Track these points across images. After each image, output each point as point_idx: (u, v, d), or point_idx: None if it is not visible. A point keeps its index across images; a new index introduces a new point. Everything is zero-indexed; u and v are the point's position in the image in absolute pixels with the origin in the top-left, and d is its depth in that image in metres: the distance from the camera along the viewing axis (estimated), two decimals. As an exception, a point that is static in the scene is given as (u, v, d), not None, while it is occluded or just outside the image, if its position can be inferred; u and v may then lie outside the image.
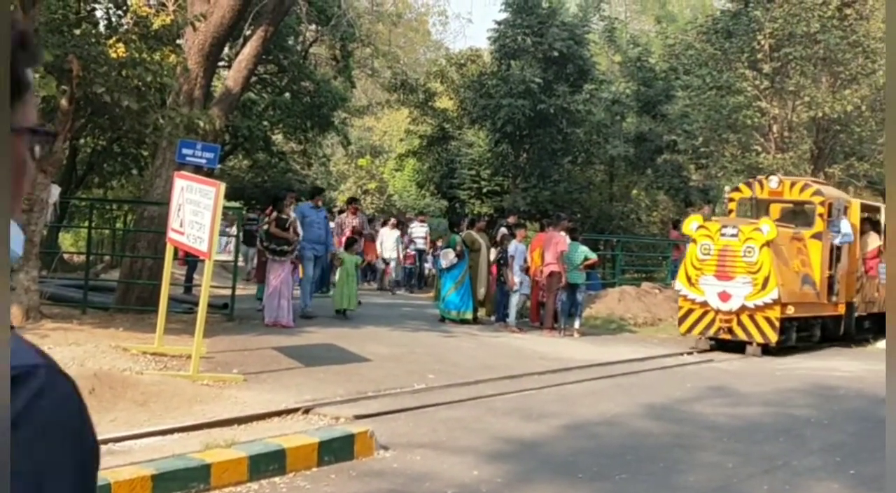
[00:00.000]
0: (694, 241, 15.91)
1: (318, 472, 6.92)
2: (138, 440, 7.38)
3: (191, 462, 6.40)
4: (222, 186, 10.34)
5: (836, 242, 16.99)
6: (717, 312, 15.45)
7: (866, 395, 11.51)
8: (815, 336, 16.84)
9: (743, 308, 15.30)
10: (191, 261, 17.41)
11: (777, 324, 15.21)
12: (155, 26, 14.48)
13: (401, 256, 22.90)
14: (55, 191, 15.75)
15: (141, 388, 8.69)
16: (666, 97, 29.56)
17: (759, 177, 17.74)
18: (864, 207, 19.07)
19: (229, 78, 16.19)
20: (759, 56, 25.09)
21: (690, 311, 15.81)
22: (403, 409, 9.19)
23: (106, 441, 7.20)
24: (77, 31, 13.71)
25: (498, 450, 7.94)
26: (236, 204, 27.90)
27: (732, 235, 15.44)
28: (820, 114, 24.06)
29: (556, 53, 24.51)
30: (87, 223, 20.32)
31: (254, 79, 21.29)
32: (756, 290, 15.18)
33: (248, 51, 15.78)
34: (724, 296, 15.36)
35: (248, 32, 17.15)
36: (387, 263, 22.55)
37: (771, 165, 24.63)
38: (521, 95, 23.85)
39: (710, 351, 15.54)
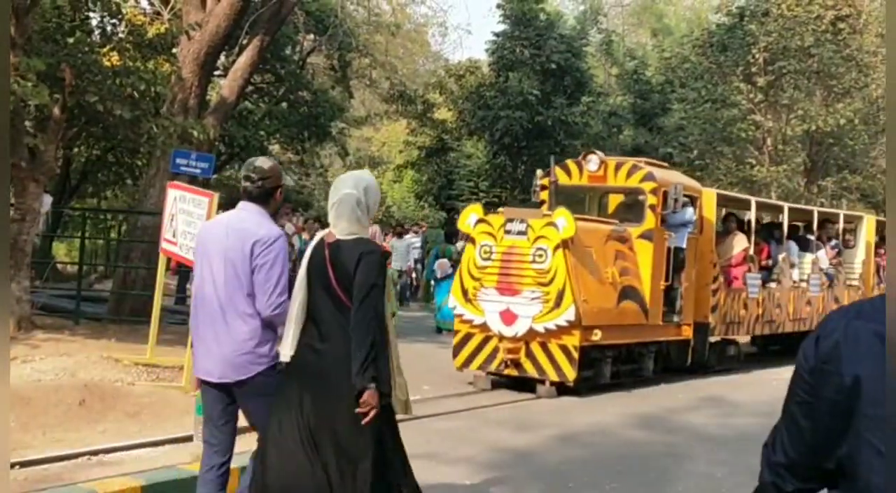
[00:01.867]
0: (472, 240, 11.72)
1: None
2: (129, 451, 7.31)
3: (181, 474, 6.34)
4: (216, 197, 10.29)
5: (675, 242, 12.87)
6: (501, 338, 11.26)
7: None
8: (645, 370, 12.66)
9: (532, 333, 11.07)
10: (183, 271, 17.35)
11: (575, 355, 10.96)
12: (149, 35, 14.47)
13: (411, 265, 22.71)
14: (47, 200, 15.71)
15: (132, 399, 8.62)
16: (662, 110, 29.64)
17: (580, 158, 13.45)
18: (723, 200, 15.56)
19: (224, 87, 16.16)
20: (754, 69, 25.18)
21: (469, 336, 11.58)
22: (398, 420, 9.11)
23: (96, 452, 7.16)
24: (71, 40, 13.68)
25: (491, 460, 7.90)
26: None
27: (520, 233, 11.23)
28: (813, 127, 24.14)
29: (553, 66, 24.55)
30: (80, 233, 20.26)
31: (250, 88, 21.28)
32: (547, 308, 10.93)
33: (244, 60, 15.74)
34: (508, 317, 11.15)
35: (244, 41, 17.13)
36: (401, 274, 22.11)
37: (765, 177, 24.68)
38: (518, 107, 23.89)
39: (494, 390, 11.61)
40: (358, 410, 4.34)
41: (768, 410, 10.83)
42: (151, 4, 17.62)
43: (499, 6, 25.47)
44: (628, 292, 11.92)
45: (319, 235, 4.77)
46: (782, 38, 24.38)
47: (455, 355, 11.68)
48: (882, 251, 18.47)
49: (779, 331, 16.04)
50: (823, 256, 17.14)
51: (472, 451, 8.19)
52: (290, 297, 4.71)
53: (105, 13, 15.11)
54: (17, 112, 13.45)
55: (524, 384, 11.39)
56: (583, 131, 25.22)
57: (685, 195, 12.77)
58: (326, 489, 4.41)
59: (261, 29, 15.89)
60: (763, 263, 15.72)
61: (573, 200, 13.56)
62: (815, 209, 17.93)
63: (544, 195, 13.05)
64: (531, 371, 11.20)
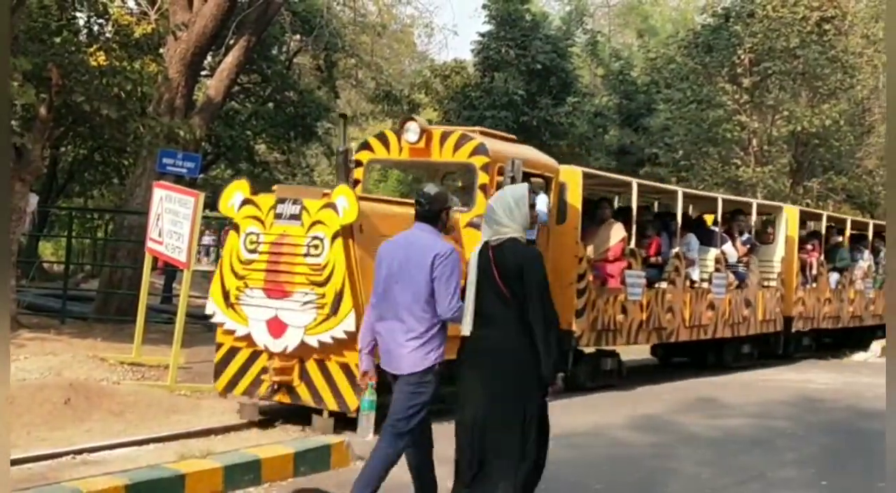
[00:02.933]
0: (236, 227, 9.02)
1: (293, 482, 6.89)
2: (113, 450, 7.35)
3: (165, 473, 6.36)
4: (201, 197, 10.35)
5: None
6: (271, 355, 8.65)
7: (843, 407, 11.60)
8: None
9: (305, 348, 8.47)
10: (169, 271, 17.36)
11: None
12: (136, 35, 14.49)
13: None
14: (33, 200, 15.69)
15: (117, 398, 8.65)
16: (647, 110, 29.73)
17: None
18: (592, 180, 12.63)
19: (211, 87, 16.18)
20: (739, 70, 25.28)
21: (233, 352, 8.94)
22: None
23: (80, 451, 7.19)
24: (57, 39, 13.68)
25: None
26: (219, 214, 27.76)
27: (292, 217, 8.67)
28: (799, 128, 24.25)
29: (539, 66, 24.59)
30: (66, 232, 20.23)
31: (237, 88, 21.29)
32: (321, 315, 8.36)
33: (231, 60, 15.77)
34: (277, 326, 8.55)
35: (230, 42, 17.14)
36: None
37: (750, 178, 24.79)
38: (504, 107, 23.91)
39: (262, 425, 8.61)
40: (551, 389, 5.48)
41: (756, 411, 10.97)
42: (138, 4, 17.62)
43: (484, 6, 25.51)
44: None
45: (479, 245, 5.64)
46: (767, 40, 24.48)
47: (216, 375, 9.02)
48: (810, 247, 17.28)
49: (671, 340, 13.52)
50: (731, 251, 14.73)
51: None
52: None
53: (92, 13, 15.13)
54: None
55: (303, 415, 8.72)
56: (568, 132, 25.26)
57: (538, 176, 10.60)
58: (476, 446, 5.48)
59: (247, 29, 15.92)
60: (652, 259, 13.16)
61: (398, 178, 12.28)
62: (720, 197, 15.34)
63: (358, 174, 10.67)
64: (306, 398, 8.55)
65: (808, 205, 24.43)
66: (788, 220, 16.63)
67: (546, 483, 7.31)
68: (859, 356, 18.11)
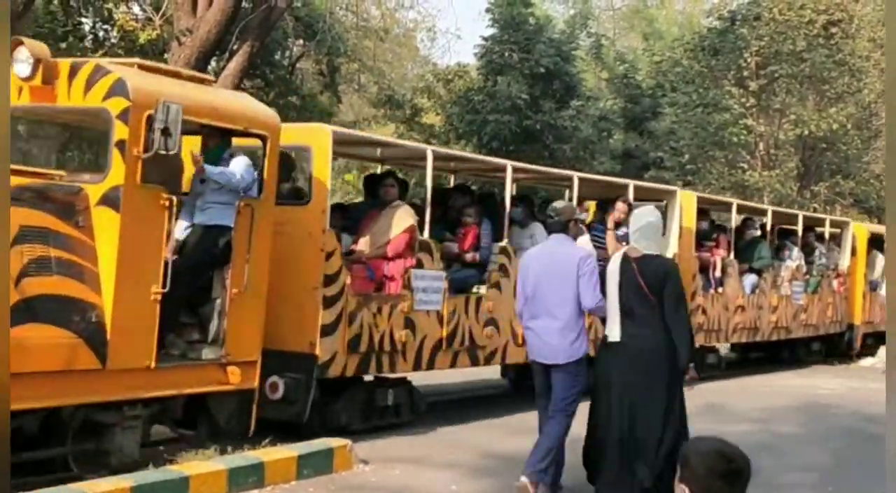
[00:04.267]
0: None
1: (296, 485, 6.91)
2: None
3: (169, 475, 6.38)
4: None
5: (209, 217, 7.49)
6: None
7: (849, 412, 11.57)
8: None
9: None
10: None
11: None
12: (141, 40, 14.55)
13: None
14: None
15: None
16: (653, 114, 29.69)
17: None
18: (347, 143, 9.97)
19: (215, 92, 16.19)
20: (746, 74, 25.26)
21: None
22: (387, 425, 9.15)
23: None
24: (63, 45, 13.75)
25: (479, 465, 7.93)
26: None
27: None
28: (806, 132, 24.21)
29: (542, 70, 24.53)
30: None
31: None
32: None
33: (234, 65, 15.77)
34: None
35: (234, 47, 17.16)
36: None
37: (757, 182, 24.75)
38: (507, 111, 23.84)
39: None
40: (688, 378, 6.67)
41: (762, 417, 10.91)
42: (143, 10, 17.66)
43: (488, 10, 25.46)
44: (51, 310, 6.21)
45: (621, 252, 6.80)
46: (774, 43, 24.45)
47: None
48: (712, 243, 14.29)
49: (494, 362, 10.57)
50: (613, 242, 11.70)
51: (459, 456, 8.23)
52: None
53: (97, 19, 15.21)
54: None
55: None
56: (572, 135, 25.19)
57: (239, 133, 7.62)
58: (625, 429, 6.41)
59: (251, 35, 15.91)
60: (467, 255, 10.22)
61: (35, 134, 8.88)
62: (576, 176, 11.93)
63: None
64: None
65: (815, 209, 24.37)
66: (683, 208, 13.32)
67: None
68: (866, 362, 17.99)
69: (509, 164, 10.96)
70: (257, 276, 7.57)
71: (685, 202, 13.60)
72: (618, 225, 11.90)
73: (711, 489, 2.93)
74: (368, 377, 9.26)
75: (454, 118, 25.22)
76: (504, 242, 10.42)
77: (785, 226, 17.37)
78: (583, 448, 6.79)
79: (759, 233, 16.02)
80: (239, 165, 7.43)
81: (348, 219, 9.81)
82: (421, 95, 27.04)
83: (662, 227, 6.97)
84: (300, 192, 9.08)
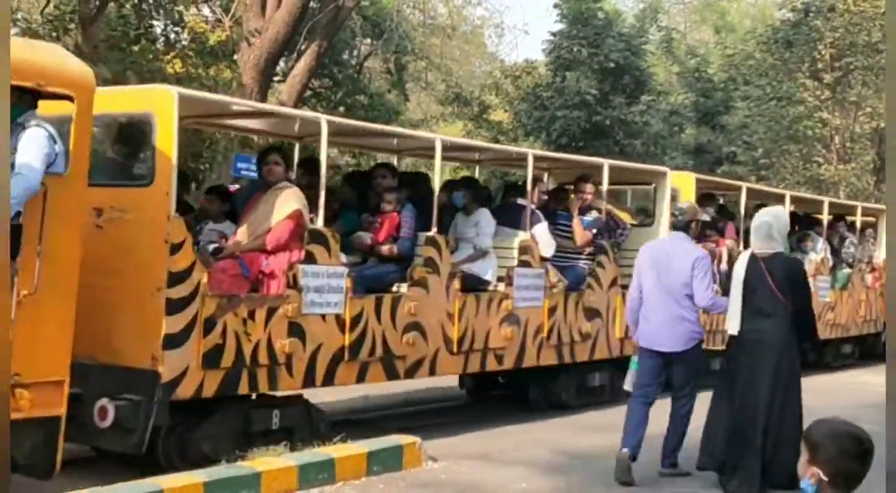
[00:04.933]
0: None
1: (366, 482, 6.91)
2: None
3: (241, 470, 6.43)
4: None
5: None
6: None
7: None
8: None
9: None
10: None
11: None
12: (211, 42, 14.74)
13: None
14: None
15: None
16: (725, 108, 29.26)
17: None
18: (192, 106, 7.56)
19: (283, 92, 16.36)
20: (820, 66, 24.76)
21: None
22: (451, 422, 9.12)
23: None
24: (136, 48, 13.99)
25: (550, 463, 7.86)
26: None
27: None
28: (882, 124, 23.64)
29: (612, 64, 24.34)
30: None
31: (308, 93, 21.48)
32: None
33: (303, 65, 15.94)
34: None
35: (302, 47, 17.31)
36: None
37: (833, 176, 24.24)
38: (576, 107, 23.73)
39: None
40: None
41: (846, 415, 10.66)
42: (213, 12, 17.90)
43: (556, 6, 25.32)
44: None
45: (747, 252, 7.26)
46: (849, 34, 23.93)
47: None
48: (715, 231, 12.50)
49: (416, 376, 8.61)
50: (545, 236, 9.72)
51: (529, 453, 8.16)
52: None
53: (168, 21, 15.46)
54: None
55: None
56: (643, 130, 24.96)
57: (29, 91, 5.73)
58: (765, 416, 6.87)
59: (319, 34, 16.06)
60: (383, 248, 8.58)
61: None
62: (530, 153, 10.04)
63: None
64: None
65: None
66: (680, 192, 11.74)
67: (618, 486, 7.22)
68: None
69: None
70: (58, 273, 5.71)
71: (682, 185, 12.01)
72: (585, 211, 10.27)
73: (846, 470, 2.99)
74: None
75: (522, 115, 25.15)
76: (431, 232, 8.52)
77: (814, 215, 15.33)
78: (703, 436, 7.28)
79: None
80: (30, 150, 5.54)
81: (231, 204, 8.41)
82: (489, 92, 27.01)
83: (785, 224, 7.40)
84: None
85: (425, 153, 10.35)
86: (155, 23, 15.82)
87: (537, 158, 10.39)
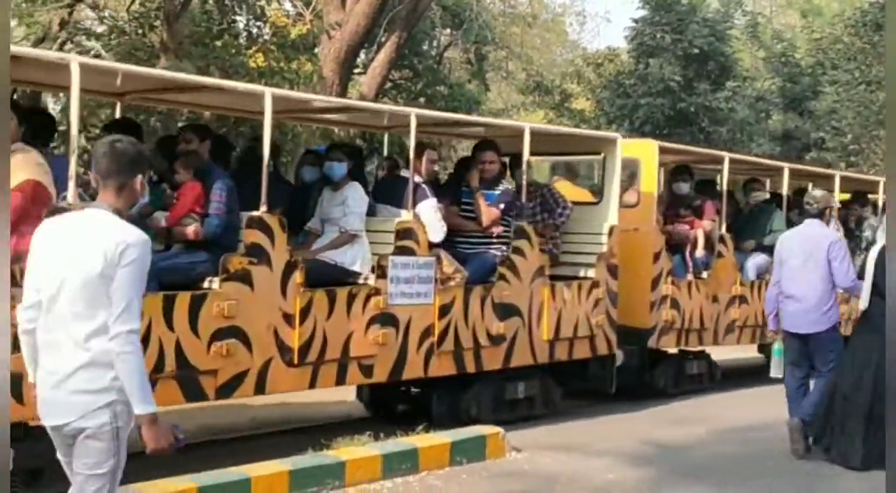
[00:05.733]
0: None
1: (449, 472, 6.91)
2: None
3: (326, 459, 6.49)
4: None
5: None
6: None
7: None
8: None
9: None
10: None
11: None
12: (292, 36, 14.86)
13: None
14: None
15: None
16: (813, 93, 28.55)
17: None
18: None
19: (364, 84, 16.45)
20: (912, 47, 23.99)
21: None
22: (539, 415, 9.05)
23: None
24: (219, 43, 14.17)
25: (636, 454, 7.78)
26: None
27: None
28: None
29: (696, 50, 23.97)
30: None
31: (389, 84, 21.57)
32: None
33: (383, 57, 16.00)
34: None
35: (382, 39, 17.37)
36: None
37: (927, 161, 23.47)
38: (659, 94, 23.46)
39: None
40: None
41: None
42: (294, 6, 18.05)
43: (639, -8, 25.07)
44: None
45: (880, 243, 7.45)
46: (942, 14, 23.16)
47: None
48: (688, 211, 10.59)
49: (233, 394, 6.83)
50: (431, 215, 8.02)
51: (615, 444, 8.09)
52: None
53: (251, 16, 15.63)
54: (170, 115, 14.01)
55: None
56: (728, 117, 24.54)
57: None
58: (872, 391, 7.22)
59: (398, 26, 16.10)
60: (190, 229, 6.82)
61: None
62: (413, 112, 7.96)
63: None
64: None
65: None
66: (642, 164, 10.09)
67: (705, 478, 7.11)
68: None
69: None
70: None
71: (642, 154, 10.09)
72: (492, 184, 8.56)
73: None
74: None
75: (604, 103, 24.93)
76: (259, 211, 6.78)
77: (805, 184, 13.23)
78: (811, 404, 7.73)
79: (766, 194, 12.20)
80: None
81: None
82: (570, 81, 26.83)
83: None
84: None
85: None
86: (237, 18, 16.01)
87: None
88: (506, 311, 8.34)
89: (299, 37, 14.75)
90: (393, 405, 9.09)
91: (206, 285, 6.63)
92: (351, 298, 7.30)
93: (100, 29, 15.87)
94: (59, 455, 3.72)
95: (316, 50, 15.67)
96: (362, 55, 18.95)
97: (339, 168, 7.63)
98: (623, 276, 9.44)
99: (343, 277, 7.43)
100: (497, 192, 8.48)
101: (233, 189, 6.84)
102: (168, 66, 11.81)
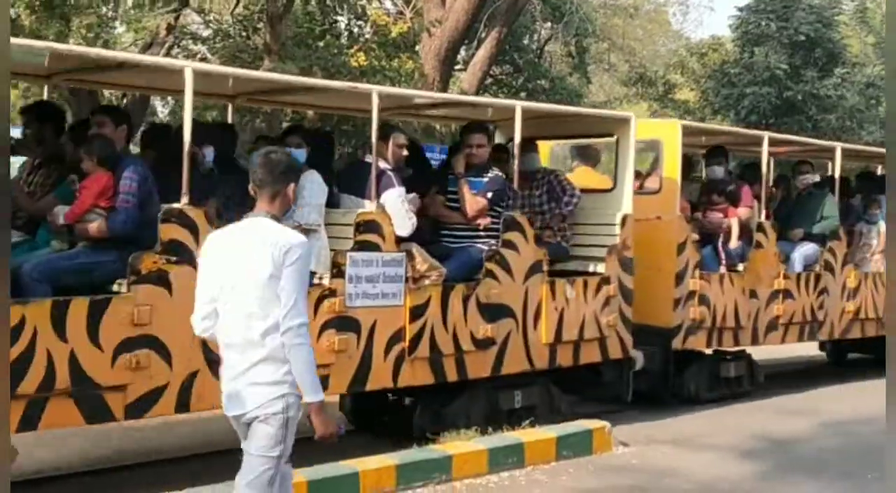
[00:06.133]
0: None
1: (556, 466, 6.90)
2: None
3: (432, 454, 6.55)
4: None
5: None
6: None
7: None
8: None
9: None
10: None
11: None
12: (393, 34, 15.00)
13: None
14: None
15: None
16: (926, 77, 27.57)
17: None
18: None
19: (464, 80, 16.50)
20: None
21: None
22: (642, 408, 8.97)
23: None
24: (321, 43, 14.39)
25: (745, 448, 7.66)
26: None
27: None
28: None
29: (802, 37, 23.42)
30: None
31: (489, 80, 21.58)
32: None
33: (483, 53, 16.02)
34: None
35: (482, 34, 17.40)
36: None
37: None
38: (765, 83, 23.01)
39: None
40: None
41: None
42: (395, 5, 18.22)
43: (743, -20, 24.60)
44: None
45: None
46: None
47: None
48: (720, 197, 9.56)
49: (145, 414, 5.92)
50: (396, 204, 6.96)
51: (724, 438, 7.99)
52: None
53: (352, 16, 15.84)
54: (274, 115, 14.29)
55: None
56: (837, 105, 23.86)
57: None
58: None
59: (498, 21, 16.10)
60: (92, 225, 5.96)
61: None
62: (371, 90, 7.11)
63: None
64: None
65: None
66: (664, 145, 9.09)
67: (814, 472, 6.95)
68: None
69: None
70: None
71: (664, 135, 9.07)
72: (476, 169, 7.60)
73: None
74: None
75: (709, 93, 24.59)
76: (181, 204, 5.89)
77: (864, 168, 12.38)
78: None
79: (816, 178, 10.97)
80: None
81: None
82: (674, 71, 26.48)
83: None
84: None
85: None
86: (339, 18, 16.24)
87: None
88: (495, 312, 7.35)
89: (400, 35, 14.89)
90: (380, 416, 7.93)
91: (115, 288, 5.81)
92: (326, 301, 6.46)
93: (205, 33, 16.28)
94: (243, 445, 4.02)
95: (417, 48, 15.79)
96: (463, 52, 19.02)
97: (297, 155, 6.48)
98: (643, 270, 8.48)
99: None
100: (485, 179, 7.56)
101: (147, 178, 5.96)
102: (272, 68, 12.05)
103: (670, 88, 26.30)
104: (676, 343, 8.84)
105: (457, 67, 19.33)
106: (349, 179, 7.16)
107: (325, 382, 5.86)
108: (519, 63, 22.62)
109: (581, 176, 9.11)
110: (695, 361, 9.39)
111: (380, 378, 6.82)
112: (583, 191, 8.36)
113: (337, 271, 6.55)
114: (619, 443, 7.45)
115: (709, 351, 9.54)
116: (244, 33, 15.10)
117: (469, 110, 8.69)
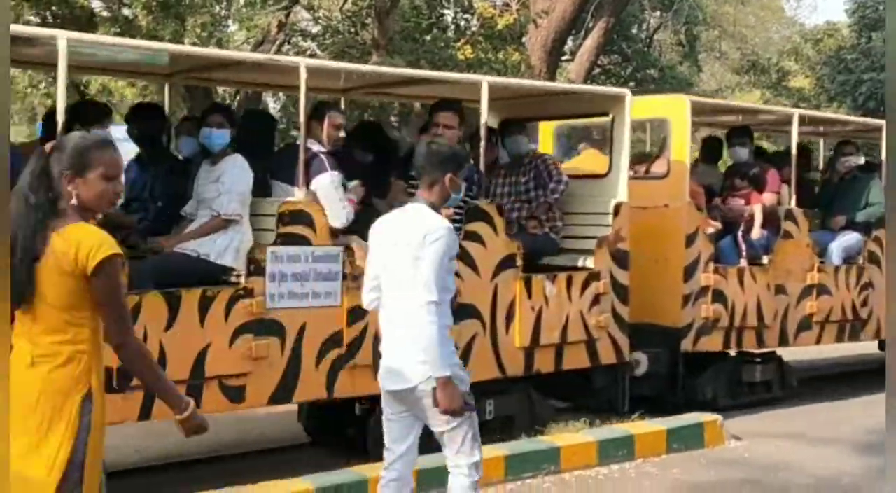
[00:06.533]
0: None
1: (666, 459, 6.84)
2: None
3: (541, 445, 6.55)
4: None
5: None
6: None
7: None
8: None
9: None
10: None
11: None
12: (499, 26, 14.98)
13: None
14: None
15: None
16: None
17: None
18: None
19: (572, 71, 16.42)
20: None
21: None
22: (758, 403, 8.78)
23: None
24: (428, 37, 14.49)
25: (859, 442, 7.46)
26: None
27: None
28: None
29: (923, 20, 22.68)
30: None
31: (597, 70, 21.42)
32: None
33: (590, 43, 15.92)
34: None
35: (590, 24, 17.28)
36: None
37: None
38: (884, 69, 22.33)
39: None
40: None
41: None
42: (501, -4, 18.21)
43: (859, -37, 23.91)
44: None
45: None
46: None
47: None
48: (743, 181, 8.62)
49: None
50: (328, 188, 6.16)
51: (844, 433, 7.81)
52: None
53: (458, 9, 15.89)
54: (382, 108, 14.45)
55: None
56: (961, 89, 23.08)
57: None
58: None
59: (606, 11, 15.97)
60: None
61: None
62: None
63: None
64: None
65: None
66: (672, 123, 8.23)
67: None
68: None
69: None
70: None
71: (671, 113, 8.21)
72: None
73: None
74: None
75: (825, 79, 24.00)
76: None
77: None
78: None
79: (860, 159, 9.90)
80: None
81: None
82: (787, 58, 25.91)
83: None
84: None
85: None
86: (445, 12, 16.31)
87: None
88: (455, 312, 6.26)
89: (506, 27, 14.86)
90: (340, 429, 6.97)
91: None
92: (206, 301, 5.61)
93: (314, 29, 16.54)
94: (384, 416, 4.25)
95: (523, 39, 15.76)
96: (570, 42, 18.92)
97: (218, 137, 5.92)
98: (649, 264, 7.79)
99: (207, 273, 5.78)
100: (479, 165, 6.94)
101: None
102: (380, 62, 12.19)
103: (784, 75, 25.76)
104: (686, 344, 7.95)
105: (564, 58, 19.24)
106: (279, 164, 6.36)
107: (238, 393, 5.66)
108: (627, 53, 22.42)
109: (587, 159, 8.51)
110: (712, 364, 8.39)
111: (310, 389, 6.02)
112: (577, 177, 7.68)
113: (255, 267, 5.81)
114: (732, 437, 7.34)
115: (732, 353, 8.58)
116: (353, 29, 15.29)
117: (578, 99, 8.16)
